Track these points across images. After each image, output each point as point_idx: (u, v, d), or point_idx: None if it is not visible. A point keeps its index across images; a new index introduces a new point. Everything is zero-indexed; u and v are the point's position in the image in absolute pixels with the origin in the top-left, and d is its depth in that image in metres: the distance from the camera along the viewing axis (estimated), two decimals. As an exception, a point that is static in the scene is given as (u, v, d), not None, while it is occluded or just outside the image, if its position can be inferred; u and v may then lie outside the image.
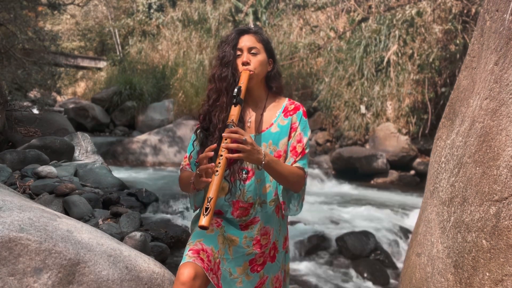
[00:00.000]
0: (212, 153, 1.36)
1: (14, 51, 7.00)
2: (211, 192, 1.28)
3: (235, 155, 1.36)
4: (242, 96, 1.46)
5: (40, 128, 5.49)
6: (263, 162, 1.42)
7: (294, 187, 1.55)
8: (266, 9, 14.69)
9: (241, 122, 1.52)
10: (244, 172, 1.56)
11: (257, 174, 1.56)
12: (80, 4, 12.65)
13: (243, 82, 1.50)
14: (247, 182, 1.55)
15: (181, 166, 1.67)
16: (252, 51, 1.56)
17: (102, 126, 11.19)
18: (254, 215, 1.57)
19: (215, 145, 1.38)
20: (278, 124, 1.60)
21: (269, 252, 1.60)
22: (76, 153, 4.64)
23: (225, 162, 1.34)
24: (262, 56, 1.58)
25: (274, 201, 1.60)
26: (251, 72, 1.53)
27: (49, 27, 15.66)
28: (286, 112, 1.62)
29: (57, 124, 5.98)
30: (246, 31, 1.59)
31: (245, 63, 1.54)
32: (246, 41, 1.57)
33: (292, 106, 1.63)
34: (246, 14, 14.38)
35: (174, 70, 12.77)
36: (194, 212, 1.69)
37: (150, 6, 16.91)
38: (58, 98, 14.46)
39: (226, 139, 1.36)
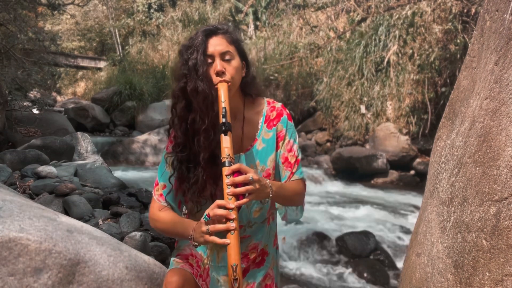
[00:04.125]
0: (234, 213, 1.11)
1: (14, 51, 7.00)
2: (233, 258, 1.07)
3: (244, 200, 1.14)
4: (228, 118, 1.20)
5: (40, 128, 5.49)
6: (271, 195, 1.23)
7: (297, 204, 1.44)
8: (266, 9, 14.69)
9: None
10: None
11: None
12: (80, 4, 12.65)
13: (224, 99, 1.22)
14: None
15: (153, 196, 1.38)
16: (226, 57, 1.29)
17: (102, 126, 11.19)
18: (243, 234, 1.44)
19: (229, 204, 1.12)
20: (263, 138, 1.41)
21: (253, 259, 1.49)
22: (76, 153, 4.64)
23: (237, 213, 1.12)
24: (236, 62, 1.31)
25: (266, 219, 1.48)
26: (229, 83, 1.27)
27: (49, 27, 15.67)
28: (268, 122, 1.42)
29: (57, 124, 5.98)
30: (214, 32, 1.31)
31: (220, 73, 1.26)
32: (217, 45, 1.29)
33: (274, 114, 1.42)
34: (246, 14, 14.38)
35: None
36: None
37: (150, 6, 16.91)
38: (58, 98, 14.47)
39: (228, 184, 1.13)
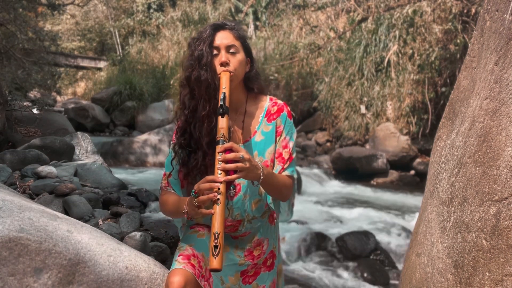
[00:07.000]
0: (218, 184, 1.16)
1: (14, 51, 7.00)
2: (217, 226, 1.12)
3: (233, 176, 1.20)
4: (227, 103, 1.27)
5: (40, 128, 5.48)
6: (261, 178, 1.27)
7: (283, 197, 1.46)
8: (266, 9, 14.70)
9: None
10: (231, 187, 1.40)
11: (243, 189, 1.42)
12: (80, 4, 12.66)
13: (225, 86, 1.30)
14: (234, 199, 1.41)
15: (160, 185, 1.47)
16: (231, 50, 1.37)
17: (102, 126, 11.19)
18: (244, 231, 1.47)
19: (218, 178, 1.18)
20: (262, 131, 1.45)
21: (264, 262, 1.51)
22: (76, 153, 4.63)
23: (225, 187, 1.18)
24: (241, 55, 1.39)
25: (265, 213, 1.50)
26: (231, 74, 1.34)
27: (49, 27, 15.67)
28: (269, 116, 1.46)
29: (57, 124, 5.97)
30: (222, 26, 1.40)
31: (224, 64, 1.34)
32: (223, 38, 1.37)
33: (275, 108, 1.47)
34: (246, 14, 14.37)
35: (174, 70, 12.78)
36: (180, 229, 1.59)
37: (149, 6, 16.92)
38: (58, 98, 14.46)
39: (220, 160, 1.19)
